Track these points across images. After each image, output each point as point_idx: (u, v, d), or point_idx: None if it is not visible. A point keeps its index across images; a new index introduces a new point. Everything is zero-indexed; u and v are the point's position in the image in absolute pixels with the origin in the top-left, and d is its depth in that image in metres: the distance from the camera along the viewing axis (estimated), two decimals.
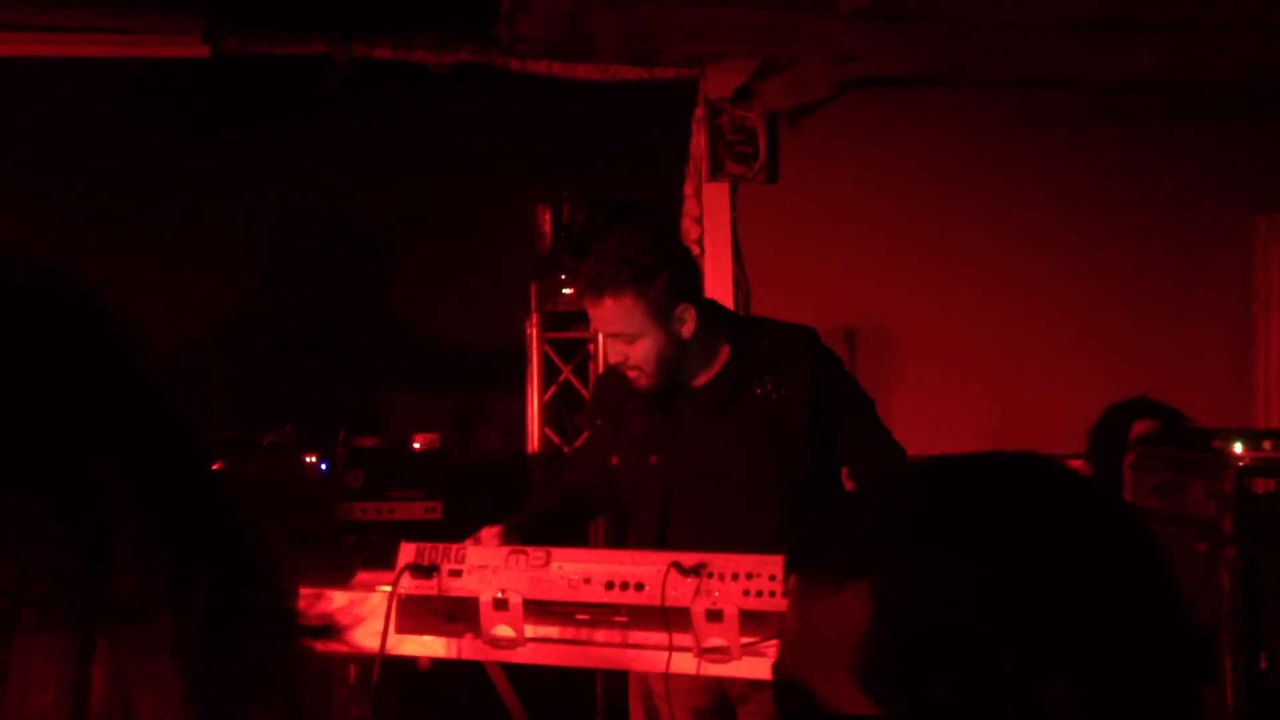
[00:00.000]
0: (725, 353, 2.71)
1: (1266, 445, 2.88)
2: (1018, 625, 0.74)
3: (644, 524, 2.73)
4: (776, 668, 0.83)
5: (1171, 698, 0.78)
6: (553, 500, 2.95)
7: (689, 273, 2.72)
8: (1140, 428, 3.80)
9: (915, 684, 0.74)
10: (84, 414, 0.47)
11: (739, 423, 2.69)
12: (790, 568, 0.84)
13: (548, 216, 4.27)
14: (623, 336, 2.62)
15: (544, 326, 4.42)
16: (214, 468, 0.54)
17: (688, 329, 2.65)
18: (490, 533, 2.57)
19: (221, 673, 0.47)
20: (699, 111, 4.70)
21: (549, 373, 4.46)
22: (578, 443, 4.06)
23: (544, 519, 2.78)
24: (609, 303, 2.59)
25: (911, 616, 0.75)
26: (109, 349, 0.50)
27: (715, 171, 4.73)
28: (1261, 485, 2.91)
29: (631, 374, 2.67)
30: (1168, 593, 0.80)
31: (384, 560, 3.25)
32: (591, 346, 4.44)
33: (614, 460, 2.79)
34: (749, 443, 2.67)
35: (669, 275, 2.62)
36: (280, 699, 0.50)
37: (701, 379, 2.72)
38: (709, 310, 2.73)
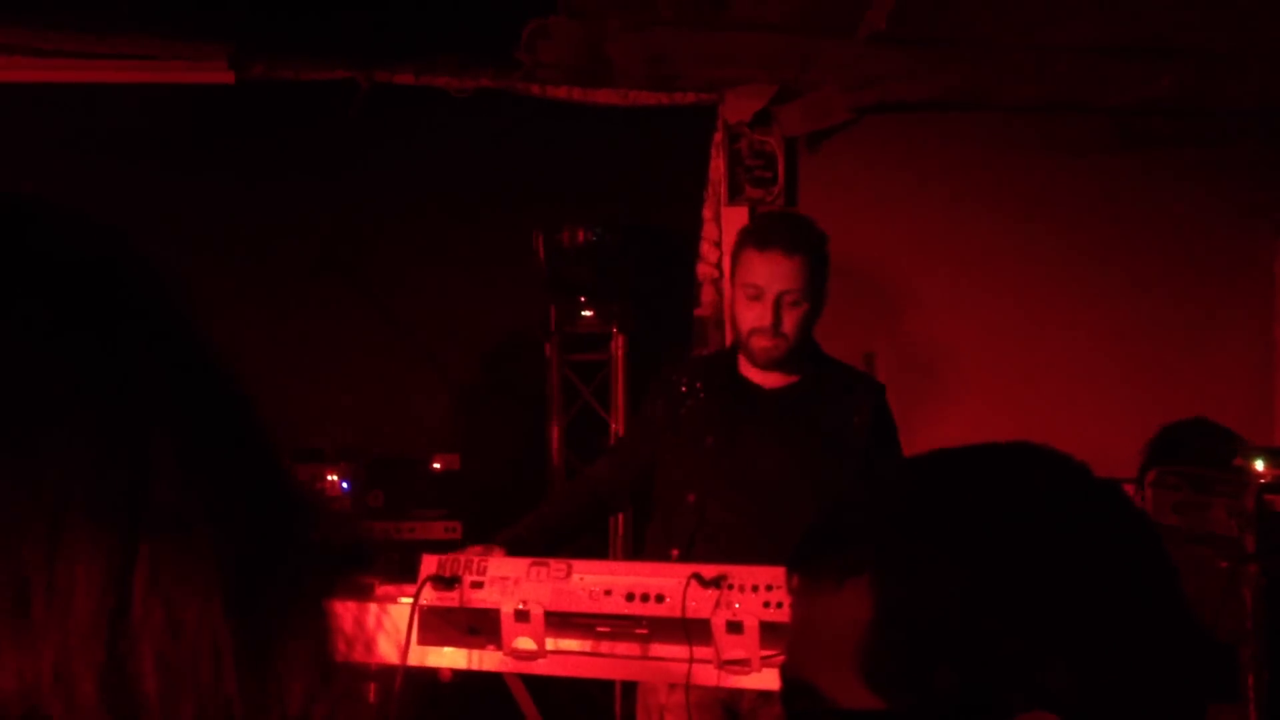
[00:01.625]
0: (806, 370, 2.84)
1: None
2: (1017, 613, 0.75)
3: (688, 503, 2.76)
4: (783, 668, 0.84)
5: (1174, 680, 0.79)
6: (556, 510, 2.96)
7: None
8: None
9: (919, 676, 0.75)
10: (129, 327, 0.50)
11: (802, 433, 2.79)
12: (793, 568, 0.85)
13: (541, 242, 4.31)
14: (794, 294, 2.77)
15: (563, 348, 4.45)
16: (249, 402, 0.56)
17: (818, 308, 2.87)
18: (473, 552, 2.56)
19: (259, 594, 0.49)
20: (718, 136, 4.74)
21: (568, 395, 4.48)
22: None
23: (536, 533, 2.80)
24: (801, 258, 2.78)
25: (912, 609, 0.76)
26: (154, 283, 0.54)
27: (734, 195, 4.75)
28: None
29: (766, 342, 2.78)
30: (1164, 576, 0.80)
31: (403, 579, 3.27)
32: (611, 367, 4.46)
33: (671, 439, 2.83)
34: (806, 454, 2.77)
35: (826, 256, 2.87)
36: (313, 626, 0.51)
37: (777, 383, 2.80)
38: None
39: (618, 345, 4.43)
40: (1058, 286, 4.88)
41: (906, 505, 0.82)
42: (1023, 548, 0.77)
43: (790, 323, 2.78)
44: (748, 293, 2.80)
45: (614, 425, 4.42)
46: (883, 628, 0.76)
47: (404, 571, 3.23)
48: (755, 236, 2.86)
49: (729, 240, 4.77)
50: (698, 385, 2.86)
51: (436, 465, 4.09)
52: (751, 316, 2.79)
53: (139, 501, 0.46)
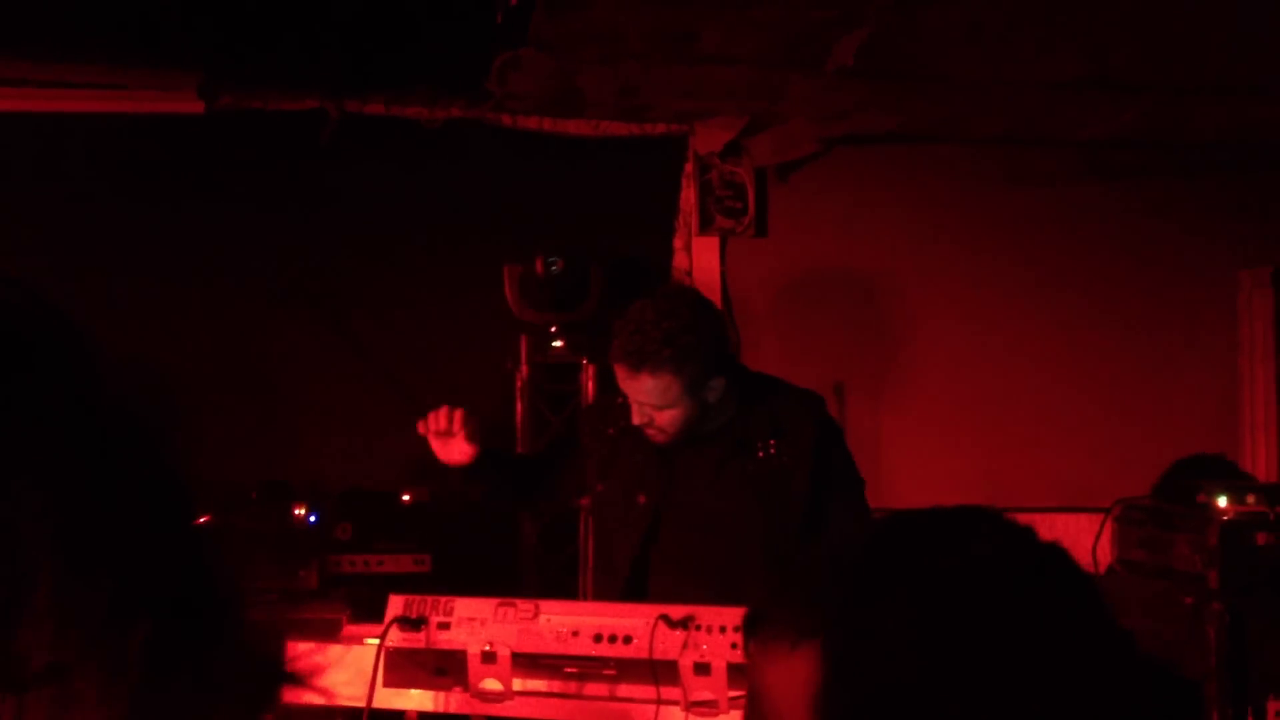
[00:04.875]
0: (733, 410, 2.74)
1: (1250, 499, 2.88)
2: (963, 676, 0.76)
3: (617, 561, 2.76)
4: None
5: None
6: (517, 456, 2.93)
7: (723, 344, 2.72)
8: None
9: None
10: (11, 440, 0.43)
11: (736, 482, 2.72)
12: (748, 633, 0.86)
13: (518, 275, 4.31)
14: (652, 405, 2.65)
15: (533, 378, 4.44)
16: (190, 507, 0.49)
17: (714, 395, 2.68)
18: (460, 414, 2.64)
19: None
20: (688, 167, 4.76)
21: (538, 424, 4.47)
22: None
23: (513, 465, 2.86)
24: (647, 379, 2.61)
25: (861, 673, 0.77)
26: (60, 370, 0.46)
27: (705, 226, 4.78)
28: (1263, 538, 2.90)
29: (650, 432, 2.70)
30: (1108, 636, 0.82)
31: (372, 612, 3.24)
32: (581, 398, 4.46)
33: (599, 488, 2.80)
34: (742, 503, 2.71)
35: (706, 351, 2.64)
36: None
37: (706, 432, 2.74)
38: (727, 368, 2.75)
39: (588, 376, 4.43)
40: (1025, 316, 4.92)
41: (855, 572, 0.83)
42: (969, 614, 0.79)
43: (664, 421, 2.67)
44: (621, 389, 2.69)
45: None
46: (835, 691, 0.78)
47: (373, 605, 3.22)
48: (613, 341, 2.66)
49: (700, 271, 4.79)
50: (626, 432, 2.78)
51: (406, 498, 4.07)
52: (636, 414, 2.69)
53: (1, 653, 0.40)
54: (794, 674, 0.80)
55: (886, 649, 0.77)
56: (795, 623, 0.82)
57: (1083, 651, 0.81)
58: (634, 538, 2.74)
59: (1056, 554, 0.87)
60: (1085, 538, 4.22)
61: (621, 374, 2.67)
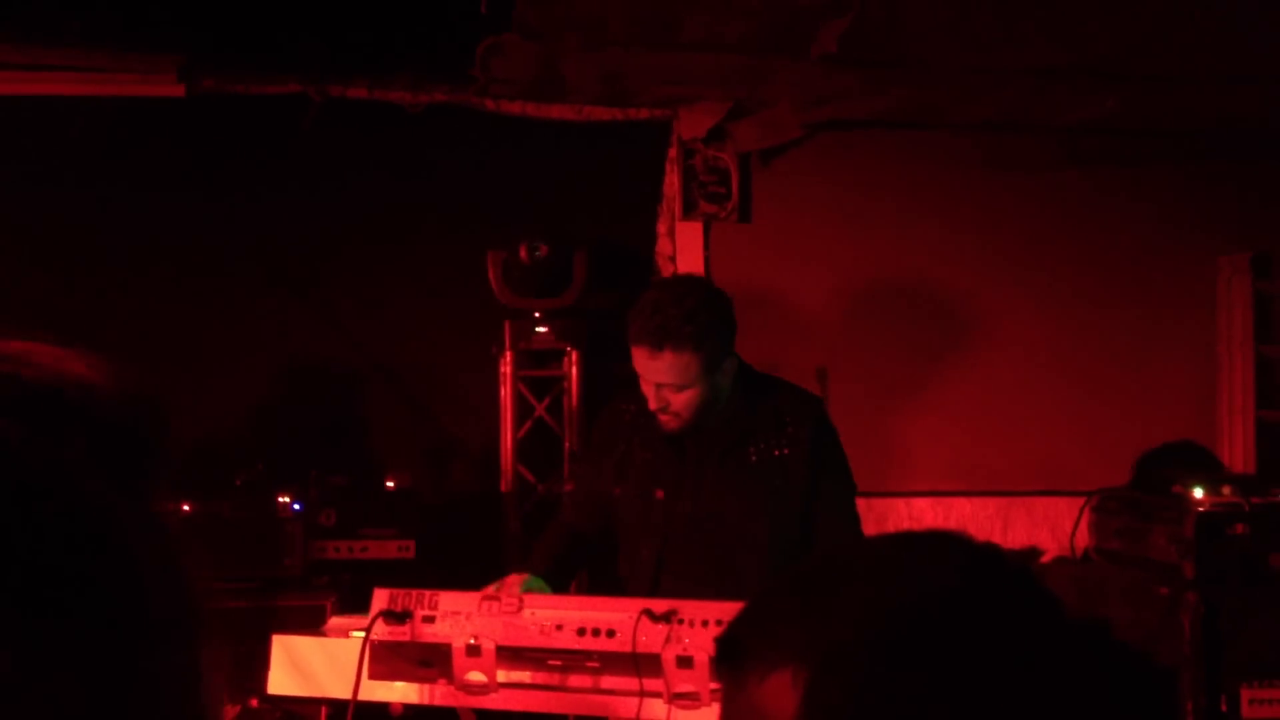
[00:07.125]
0: (738, 402, 2.80)
1: (1226, 490, 2.92)
2: (934, 706, 0.78)
3: (644, 556, 2.81)
4: None
5: None
6: (560, 543, 2.97)
7: (733, 326, 2.79)
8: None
9: None
10: None
11: (740, 472, 2.78)
12: (718, 663, 0.88)
13: (501, 261, 4.31)
14: (671, 386, 2.69)
15: (517, 364, 4.45)
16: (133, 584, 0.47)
17: (727, 380, 2.75)
18: (514, 580, 2.60)
19: None
20: (672, 152, 4.76)
21: (522, 410, 4.48)
22: (569, 485, 4.10)
23: (564, 564, 2.87)
24: (669, 356, 2.66)
25: (834, 703, 0.78)
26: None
27: (688, 211, 4.78)
28: (1239, 529, 2.94)
29: (665, 418, 2.75)
30: (1081, 665, 0.84)
31: (356, 598, 3.26)
32: (565, 384, 4.47)
33: (617, 490, 2.84)
34: (746, 492, 2.77)
35: (722, 330, 2.72)
36: None
37: (712, 424, 2.79)
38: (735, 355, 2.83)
39: (572, 361, 4.44)
40: (1006, 301, 4.95)
41: (826, 601, 0.85)
42: (939, 641, 0.80)
43: (680, 404, 2.72)
44: (639, 373, 2.74)
45: (568, 442, 4.43)
46: None
47: (356, 591, 3.23)
48: (631, 326, 2.71)
49: (684, 256, 4.80)
50: (637, 433, 2.84)
51: (389, 483, 4.08)
52: (647, 395, 2.74)
53: None
54: (765, 705, 0.81)
55: (860, 679, 0.79)
56: (764, 653, 0.83)
57: (1054, 681, 0.82)
58: (657, 534, 2.78)
59: (1026, 576, 0.88)
60: (1065, 521, 4.27)
61: (642, 356, 2.70)
